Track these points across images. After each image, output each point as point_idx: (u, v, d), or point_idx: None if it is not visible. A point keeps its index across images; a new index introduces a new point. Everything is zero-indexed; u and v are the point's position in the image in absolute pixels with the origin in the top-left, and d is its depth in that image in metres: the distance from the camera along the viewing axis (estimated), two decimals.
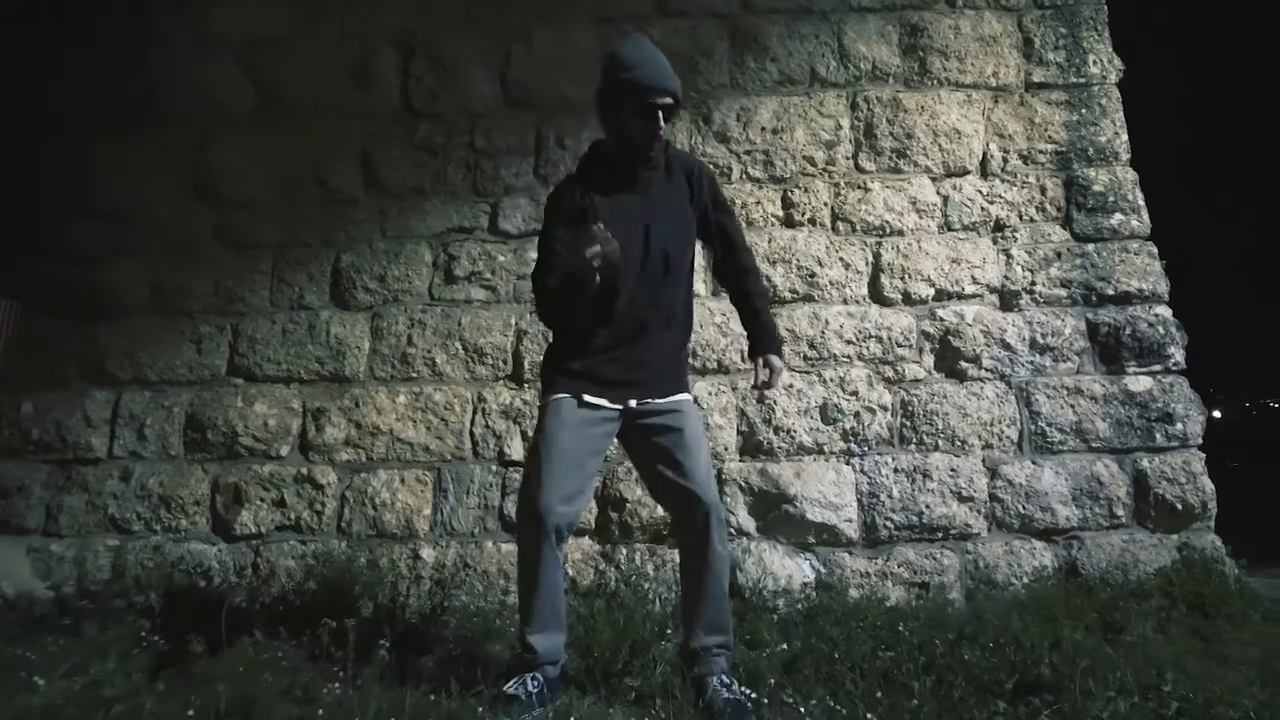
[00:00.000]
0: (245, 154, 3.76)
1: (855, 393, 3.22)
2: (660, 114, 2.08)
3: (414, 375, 3.41)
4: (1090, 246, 3.34)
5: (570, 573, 3.09)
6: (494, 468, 3.28)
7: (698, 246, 2.22)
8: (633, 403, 2.02)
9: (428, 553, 3.20)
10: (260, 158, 3.74)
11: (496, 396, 3.33)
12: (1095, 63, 3.57)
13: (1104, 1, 3.65)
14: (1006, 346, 3.24)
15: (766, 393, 2.77)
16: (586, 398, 1.99)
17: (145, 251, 3.69)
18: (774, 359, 2.14)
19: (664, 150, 2.17)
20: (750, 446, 3.20)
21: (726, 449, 3.20)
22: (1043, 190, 3.43)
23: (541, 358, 2.27)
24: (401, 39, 3.82)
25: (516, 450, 3.27)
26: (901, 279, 3.34)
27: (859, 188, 3.47)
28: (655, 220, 2.09)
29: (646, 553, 3.11)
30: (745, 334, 2.21)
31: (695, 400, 2.29)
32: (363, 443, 3.34)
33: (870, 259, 3.39)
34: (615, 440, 2.09)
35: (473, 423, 3.32)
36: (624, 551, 3.12)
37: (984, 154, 3.49)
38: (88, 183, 3.83)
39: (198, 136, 3.81)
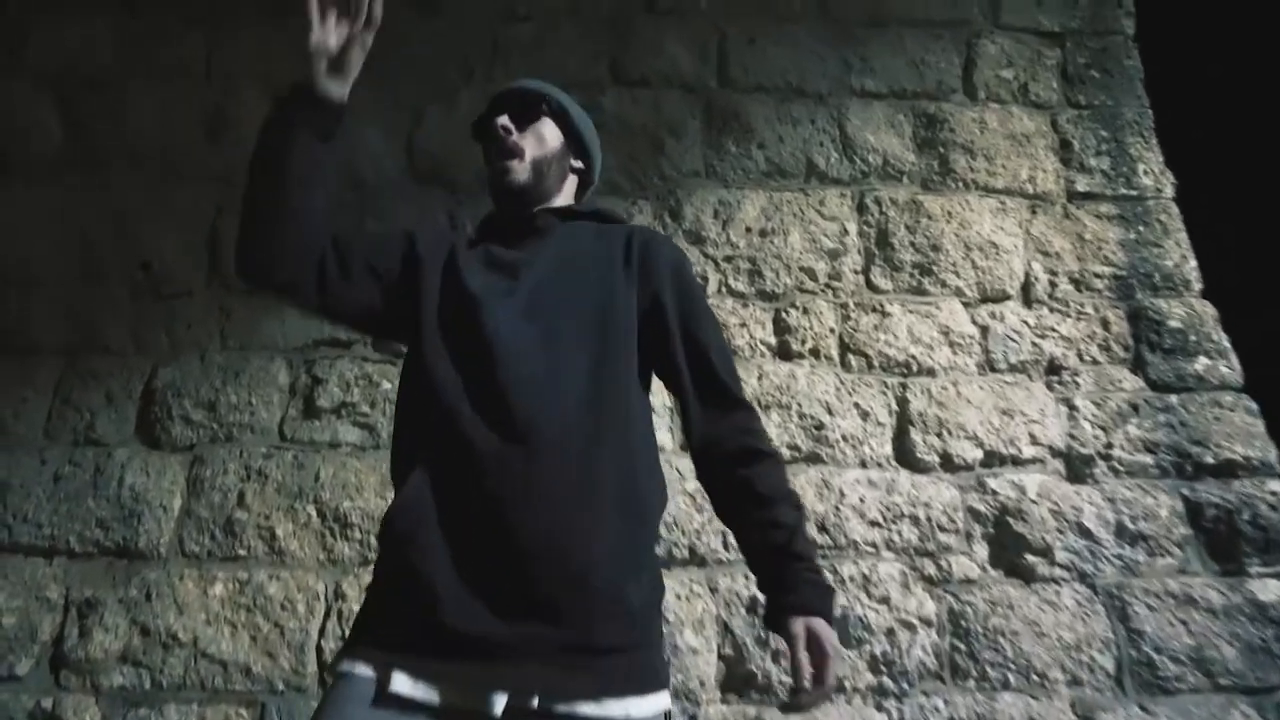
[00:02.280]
0: (39, 217, 2.67)
1: (886, 599, 2.22)
2: (501, 128, 1.36)
3: (241, 553, 2.26)
4: (1174, 398, 2.50)
5: None
6: None
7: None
8: (504, 703, 0.97)
9: None
10: (61, 224, 2.66)
11: (363, 591, 2.21)
12: (1146, 173, 2.85)
13: (1147, 106, 2.98)
14: (1085, 533, 2.32)
15: (811, 701, 1.13)
16: (397, 684, 0.97)
17: None
18: (817, 624, 1.12)
19: (536, 191, 1.38)
20: (738, 680, 2.14)
21: (703, 683, 2.11)
22: (1104, 324, 2.61)
23: None
24: (279, 86, 2.86)
25: None
26: (938, 434, 2.42)
27: (874, 310, 2.59)
28: (542, 284, 1.24)
29: None
30: (755, 576, 1.22)
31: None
32: (149, 658, 2.15)
33: (894, 406, 2.47)
34: None
35: (322, 632, 2.18)
36: None
37: (1026, 275, 2.68)
38: None
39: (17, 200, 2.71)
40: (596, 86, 2.90)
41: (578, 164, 1.48)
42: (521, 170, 1.35)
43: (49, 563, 2.28)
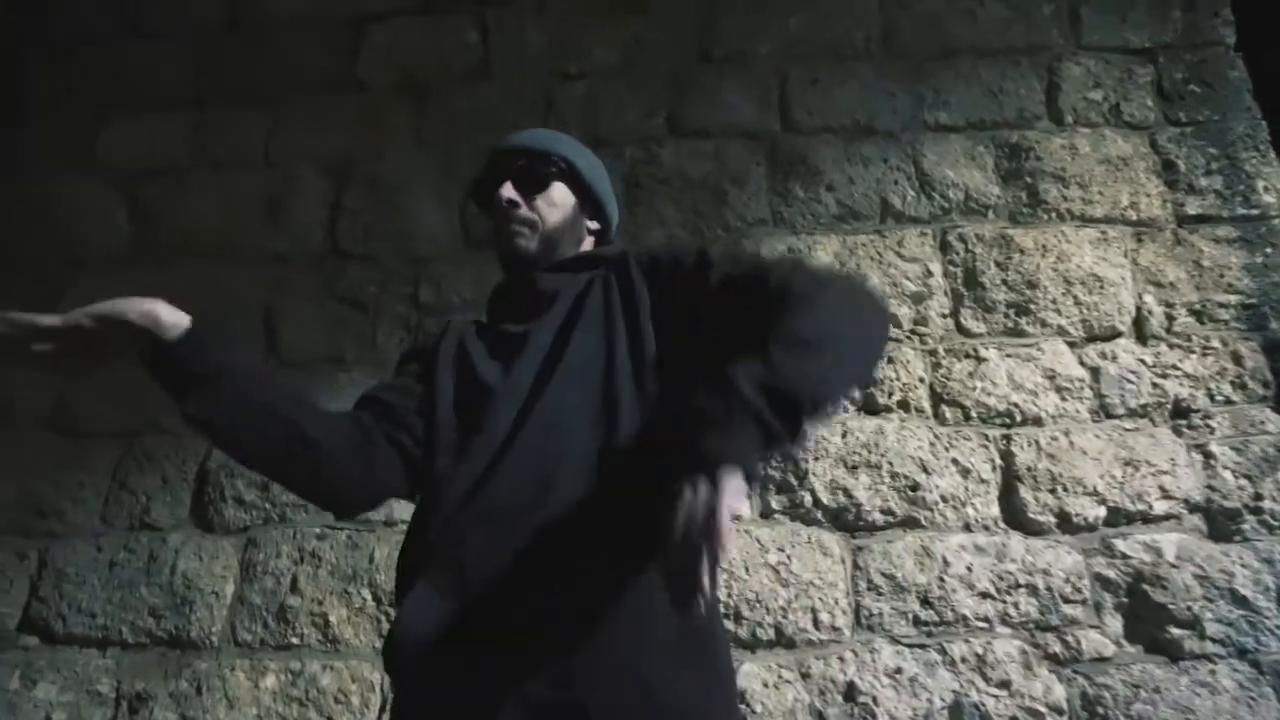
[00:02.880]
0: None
1: (1006, 683, 1.92)
2: (506, 185, 1.22)
3: (294, 642, 2.12)
4: None
5: None
6: None
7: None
8: None
9: None
10: None
11: None
12: (1267, 189, 2.56)
13: (1260, 118, 2.70)
14: (1240, 601, 1.98)
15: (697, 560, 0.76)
16: None
17: None
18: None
19: (544, 245, 1.25)
20: None
21: None
22: (1236, 358, 2.30)
23: None
24: (337, 165, 2.84)
25: None
26: (1051, 491, 2.14)
27: (967, 356, 2.34)
28: (546, 359, 1.09)
29: None
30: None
31: None
32: None
33: (998, 460, 2.20)
34: None
35: None
36: None
37: (1138, 308, 2.40)
38: None
39: (50, 283, 2.74)
40: (654, 140, 2.80)
41: (593, 225, 1.34)
42: (532, 241, 1.22)
43: (102, 654, 2.19)
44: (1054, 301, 2.40)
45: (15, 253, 2.82)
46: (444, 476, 1.04)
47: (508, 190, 1.22)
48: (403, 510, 2.25)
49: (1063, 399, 2.27)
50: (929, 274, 2.48)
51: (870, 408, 2.28)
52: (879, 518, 2.12)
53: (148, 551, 2.29)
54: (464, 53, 2.99)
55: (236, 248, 2.74)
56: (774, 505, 2.09)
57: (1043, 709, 1.89)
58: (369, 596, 2.15)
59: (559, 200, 1.26)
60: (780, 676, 1.92)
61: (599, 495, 0.93)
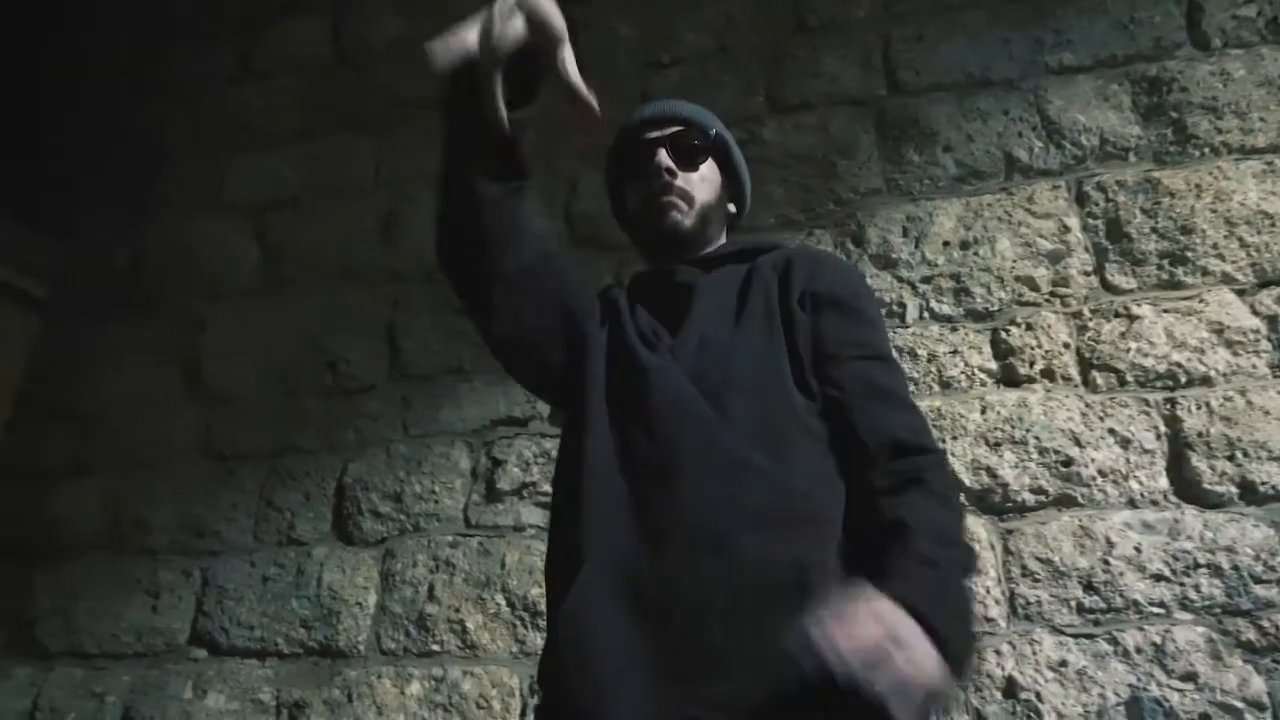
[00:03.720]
0: (241, 335, 2.79)
1: (1192, 675, 1.70)
2: (661, 152, 1.14)
3: (435, 649, 2.14)
4: None
5: None
6: None
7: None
8: None
9: None
10: (259, 338, 2.76)
11: None
12: None
13: None
14: None
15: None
16: None
17: (110, 467, 2.70)
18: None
19: (704, 234, 1.18)
20: None
21: None
22: None
23: None
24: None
25: None
26: (1229, 457, 1.88)
27: (1118, 315, 2.10)
28: (698, 343, 1.02)
29: None
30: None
31: None
32: None
33: (1162, 427, 1.96)
34: None
35: None
36: None
37: None
38: (54, 378, 2.94)
39: (191, 316, 2.89)
40: (755, 120, 2.67)
41: (732, 208, 1.26)
42: (688, 218, 1.14)
43: (261, 664, 2.27)
44: (1215, 246, 2.12)
45: (158, 291, 2.99)
46: (599, 483, 0.95)
47: (664, 158, 1.13)
48: (530, 515, 2.23)
49: (1235, 354, 2.00)
50: (1065, 230, 2.25)
51: (1010, 379, 2.09)
52: (1029, 498, 1.92)
53: (296, 566, 2.36)
54: None
55: (357, 269, 2.80)
56: None
57: (1239, 704, 1.66)
58: (503, 602, 2.14)
59: (709, 176, 1.18)
60: None
61: (777, 538, 0.86)
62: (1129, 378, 2.02)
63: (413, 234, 2.81)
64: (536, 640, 2.07)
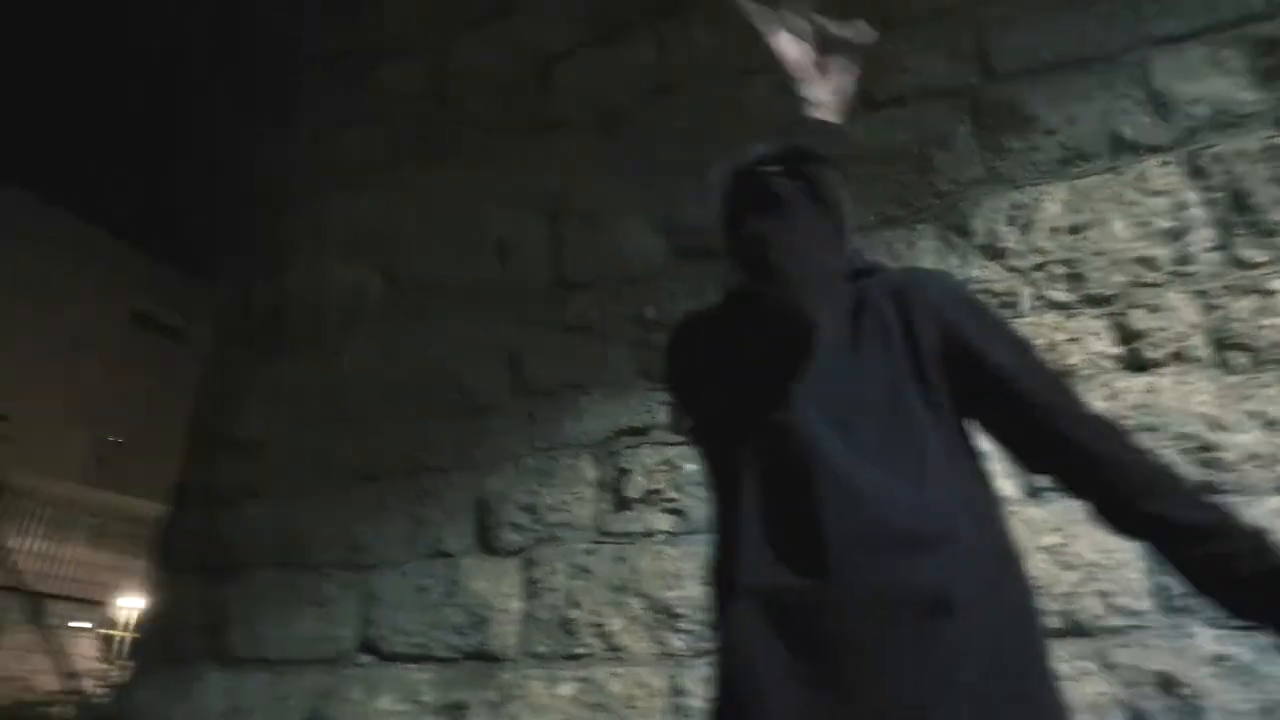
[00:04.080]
0: (375, 362, 2.98)
1: None
2: (756, 241, 1.08)
3: (580, 651, 2.25)
4: None
5: None
6: None
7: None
8: None
9: None
10: (392, 364, 2.94)
11: (701, 685, 2.08)
12: None
13: None
14: None
15: None
16: None
17: (275, 490, 2.93)
18: None
19: (815, 274, 1.08)
20: None
21: None
22: None
23: None
24: (547, 201, 2.97)
25: None
26: None
27: (1249, 291, 2.02)
28: (821, 369, 1.02)
29: None
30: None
31: None
32: None
33: None
34: None
35: None
36: None
37: None
38: (222, 410, 3.21)
39: (328, 348, 3.10)
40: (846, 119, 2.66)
41: (838, 243, 1.19)
42: (791, 296, 1.07)
43: (422, 668, 2.44)
44: None
45: (297, 330, 3.21)
46: (747, 510, 0.99)
47: (758, 225, 1.10)
48: (658, 521, 2.31)
49: None
50: (1182, 206, 2.17)
51: (1136, 364, 2.04)
52: None
53: (445, 576, 2.52)
54: (646, 73, 3.01)
55: (474, 293, 2.94)
56: (1042, 483, 1.92)
57: None
58: (640, 606, 2.23)
59: (807, 227, 1.13)
60: (1079, 668, 1.76)
61: (918, 559, 0.89)
62: (1266, 356, 1.94)
63: (525, 255, 2.93)
64: (675, 642, 2.16)
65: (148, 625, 3.17)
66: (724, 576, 1.00)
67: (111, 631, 9.57)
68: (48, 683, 6.31)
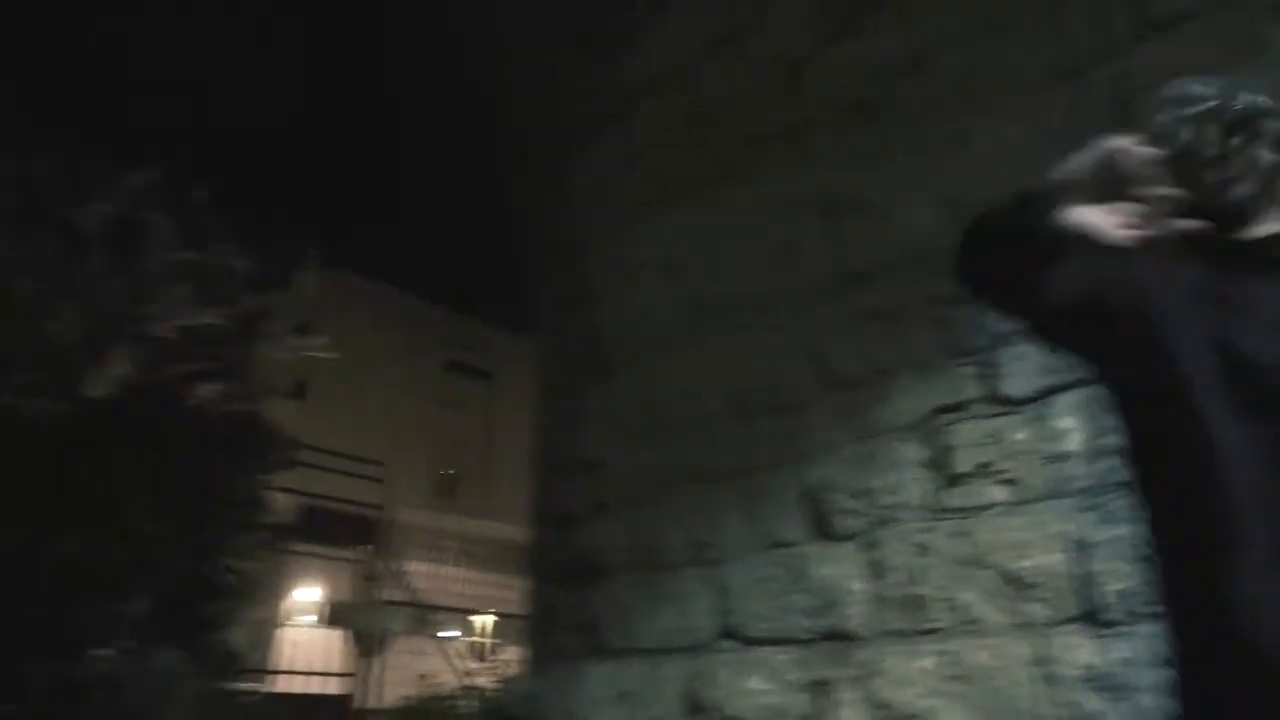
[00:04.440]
0: (687, 374, 3.26)
1: None
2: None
3: (931, 625, 2.32)
4: None
5: None
6: None
7: None
8: None
9: None
10: (704, 375, 3.21)
11: (1068, 652, 2.06)
12: None
13: None
14: None
15: None
16: None
17: (621, 502, 3.32)
18: None
19: None
20: None
21: None
22: None
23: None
24: (823, 200, 3.07)
25: None
26: None
27: None
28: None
29: None
30: None
31: None
32: None
33: None
34: None
35: (1036, 697, 2.08)
36: None
37: None
38: (561, 438, 3.69)
39: (641, 368, 3.45)
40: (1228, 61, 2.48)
41: None
42: None
43: (781, 650, 2.64)
44: None
45: (616, 356, 3.60)
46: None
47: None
48: (994, 493, 2.31)
49: None
50: None
51: None
52: None
53: (789, 564, 2.71)
54: (892, 55, 3.00)
55: (770, 297, 3.11)
56: None
57: None
58: (989, 578, 2.25)
59: None
60: None
61: None
62: None
63: (810, 255, 3.05)
64: (1034, 611, 2.15)
65: (531, 628, 3.72)
66: (1206, 617, 0.81)
67: (475, 638, 11.03)
68: (447, 681, 7.54)
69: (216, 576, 4.65)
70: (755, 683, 2.63)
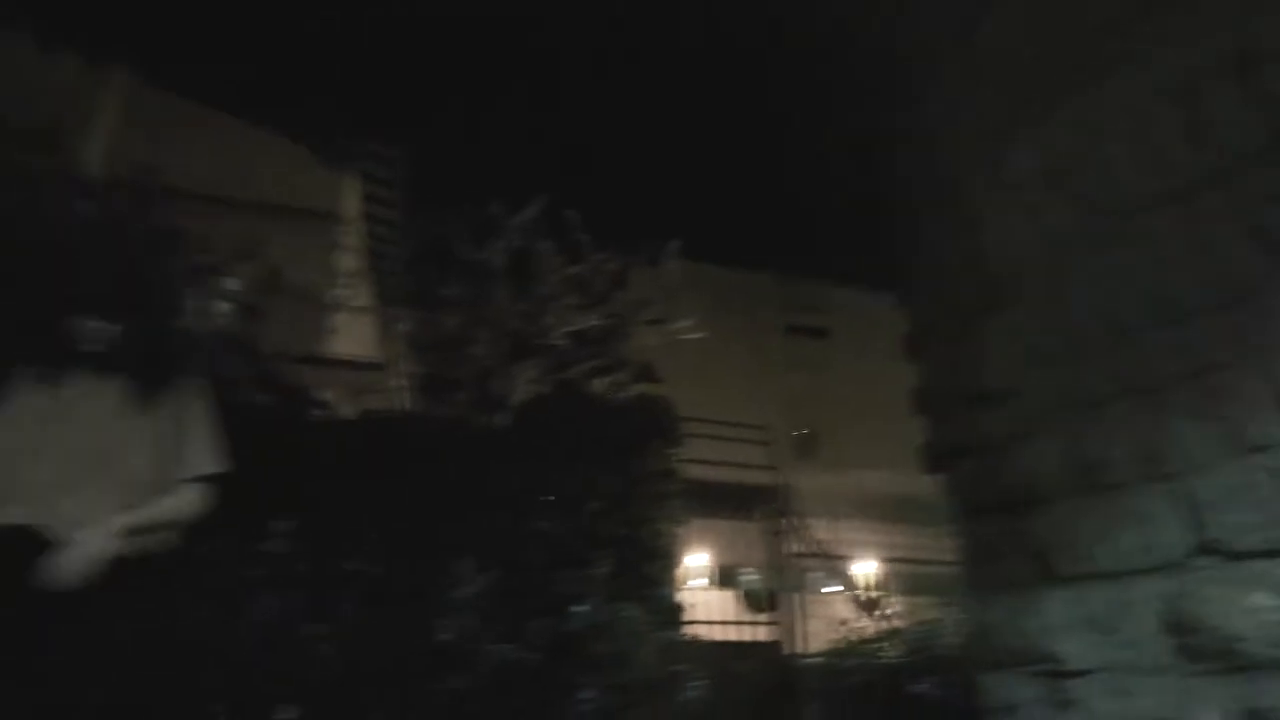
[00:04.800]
0: (1099, 289, 3.04)
1: None
2: None
3: None
4: None
5: None
6: None
7: None
8: None
9: None
10: (1116, 284, 2.97)
11: None
12: None
13: None
14: None
15: None
16: None
17: (1043, 427, 3.21)
18: None
19: None
20: None
21: None
22: None
23: None
24: (1229, 60, 2.67)
25: None
26: None
27: None
28: None
29: None
30: None
31: None
32: None
33: None
34: None
35: None
36: None
37: None
38: (960, 371, 3.66)
39: (1038, 291, 3.28)
40: None
41: None
42: None
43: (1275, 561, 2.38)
44: None
45: (1003, 284, 3.46)
46: None
47: None
48: None
49: None
50: None
51: None
52: None
53: (1273, 468, 2.42)
54: None
55: (1192, 180, 2.79)
56: None
57: None
58: None
59: None
60: None
61: None
62: None
63: (1224, 125, 2.68)
64: None
65: (965, 561, 3.72)
66: None
67: (860, 591, 11.16)
68: (866, 626, 7.83)
69: (652, 541, 5.29)
70: (1261, 598, 2.39)
